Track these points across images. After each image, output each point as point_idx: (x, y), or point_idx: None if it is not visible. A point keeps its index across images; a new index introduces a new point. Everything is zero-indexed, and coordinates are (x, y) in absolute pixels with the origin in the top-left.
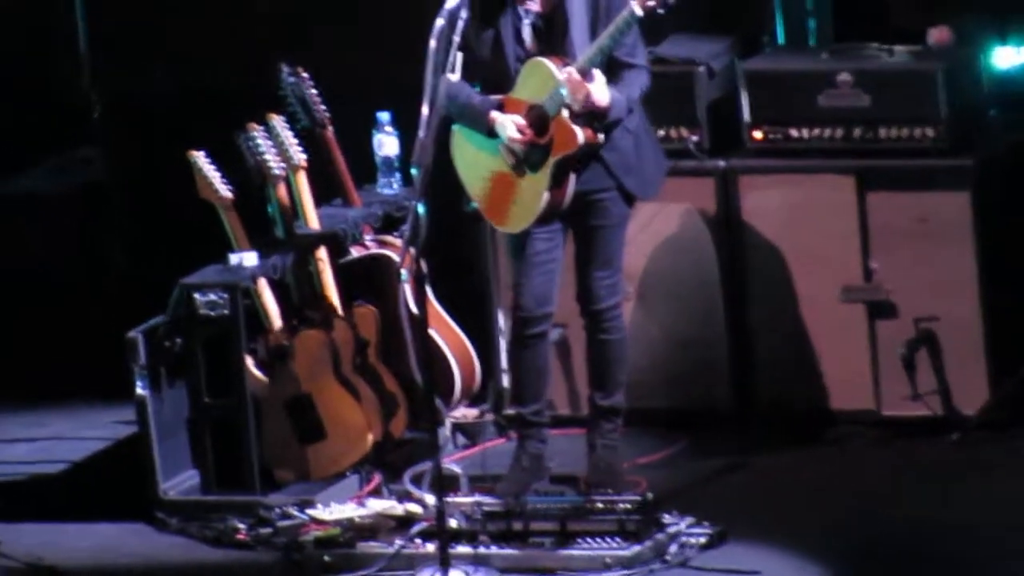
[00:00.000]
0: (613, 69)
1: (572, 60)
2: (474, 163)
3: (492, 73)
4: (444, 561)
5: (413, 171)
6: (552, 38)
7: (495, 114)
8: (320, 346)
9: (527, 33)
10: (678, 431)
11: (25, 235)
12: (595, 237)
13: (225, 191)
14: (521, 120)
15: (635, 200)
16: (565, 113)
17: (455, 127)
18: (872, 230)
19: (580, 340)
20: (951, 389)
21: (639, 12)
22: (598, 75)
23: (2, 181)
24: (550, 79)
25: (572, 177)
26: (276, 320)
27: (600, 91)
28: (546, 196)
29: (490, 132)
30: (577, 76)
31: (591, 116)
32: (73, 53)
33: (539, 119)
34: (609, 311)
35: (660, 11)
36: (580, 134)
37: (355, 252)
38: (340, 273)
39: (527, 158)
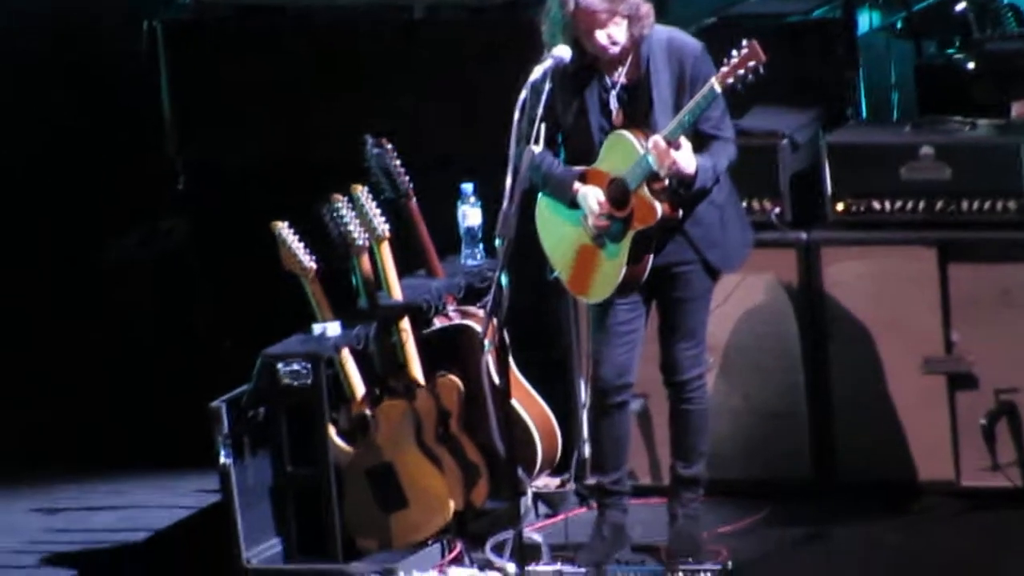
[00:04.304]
0: (700, 141)
1: (654, 133)
2: (557, 233)
3: (577, 143)
4: None
5: (496, 242)
6: (636, 110)
7: (578, 185)
8: (402, 416)
9: (613, 104)
10: (759, 501)
11: (110, 304)
12: (678, 309)
13: (309, 262)
14: (601, 194)
15: (719, 274)
16: (645, 188)
17: (540, 196)
18: (953, 301)
19: (661, 410)
20: None
21: (718, 89)
22: (685, 143)
23: (89, 250)
24: (632, 152)
25: (651, 250)
26: (359, 390)
27: (686, 159)
28: (625, 268)
29: (572, 203)
30: (663, 144)
31: (678, 184)
32: (158, 123)
33: (620, 192)
34: (692, 382)
35: (739, 87)
36: (659, 208)
37: (438, 323)
38: (423, 344)
39: (607, 230)
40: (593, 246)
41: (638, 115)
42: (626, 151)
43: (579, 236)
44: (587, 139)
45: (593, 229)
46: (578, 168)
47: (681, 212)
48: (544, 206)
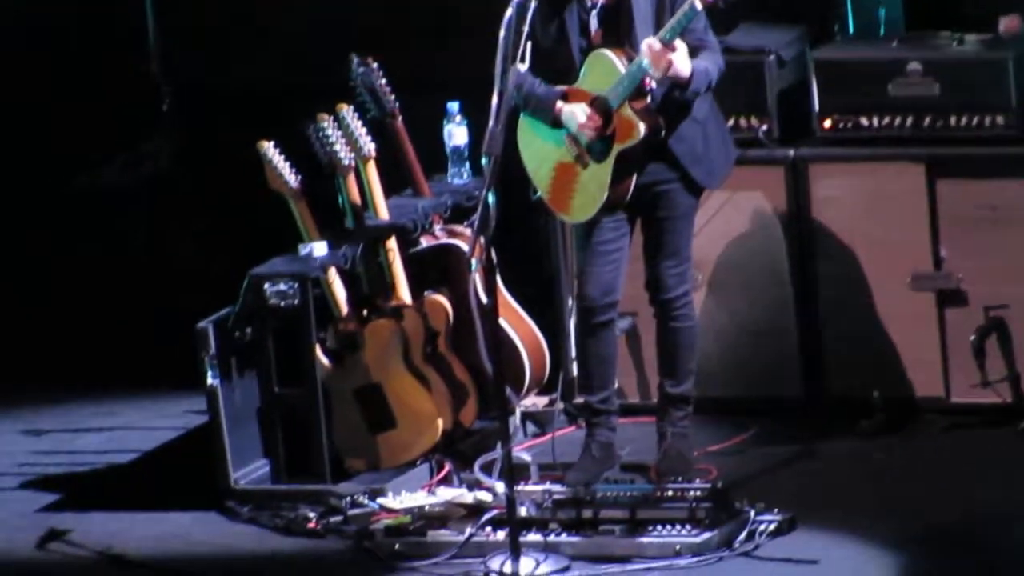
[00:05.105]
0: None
1: (635, 52)
2: (539, 153)
3: (557, 64)
4: (514, 549)
5: (483, 161)
6: (617, 30)
7: (561, 104)
8: (390, 335)
9: (593, 25)
10: (748, 419)
11: (96, 227)
12: (662, 228)
13: (295, 182)
14: (587, 108)
15: (702, 190)
16: (627, 106)
17: (522, 116)
18: (942, 218)
19: (649, 328)
20: (1021, 376)
21: (699, 6)
22: (680, 44)
23: (74, 174)
24: (613, 71)
25: (634, 169)
26: (345, 310)
27: (682, 60)
28: (608, 187)
29: (555, 122)
30: (658, 46)
31: (673, 87)
32: (143, 45)
33: (602, 111)
34: (679, 299)
35: (721, 5)
36: (641, 126)
37: (425, 242)
38: (410, 263)
39: (590, 149)
40: (575, 165)
41: (619, 35)
42: (607, 70)
43: (561, 156)
44: (568, 60)
45: (581, 142)
46: (560, 88)
47: (664, 130)
48: (526, 126)
